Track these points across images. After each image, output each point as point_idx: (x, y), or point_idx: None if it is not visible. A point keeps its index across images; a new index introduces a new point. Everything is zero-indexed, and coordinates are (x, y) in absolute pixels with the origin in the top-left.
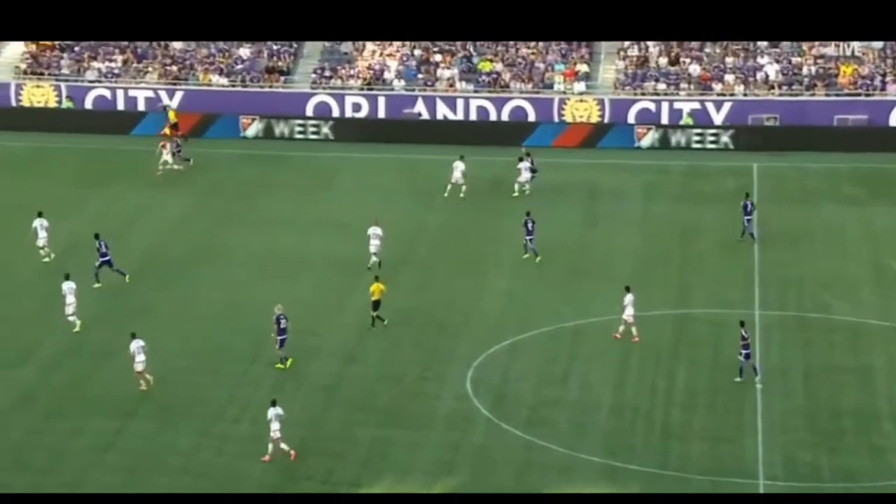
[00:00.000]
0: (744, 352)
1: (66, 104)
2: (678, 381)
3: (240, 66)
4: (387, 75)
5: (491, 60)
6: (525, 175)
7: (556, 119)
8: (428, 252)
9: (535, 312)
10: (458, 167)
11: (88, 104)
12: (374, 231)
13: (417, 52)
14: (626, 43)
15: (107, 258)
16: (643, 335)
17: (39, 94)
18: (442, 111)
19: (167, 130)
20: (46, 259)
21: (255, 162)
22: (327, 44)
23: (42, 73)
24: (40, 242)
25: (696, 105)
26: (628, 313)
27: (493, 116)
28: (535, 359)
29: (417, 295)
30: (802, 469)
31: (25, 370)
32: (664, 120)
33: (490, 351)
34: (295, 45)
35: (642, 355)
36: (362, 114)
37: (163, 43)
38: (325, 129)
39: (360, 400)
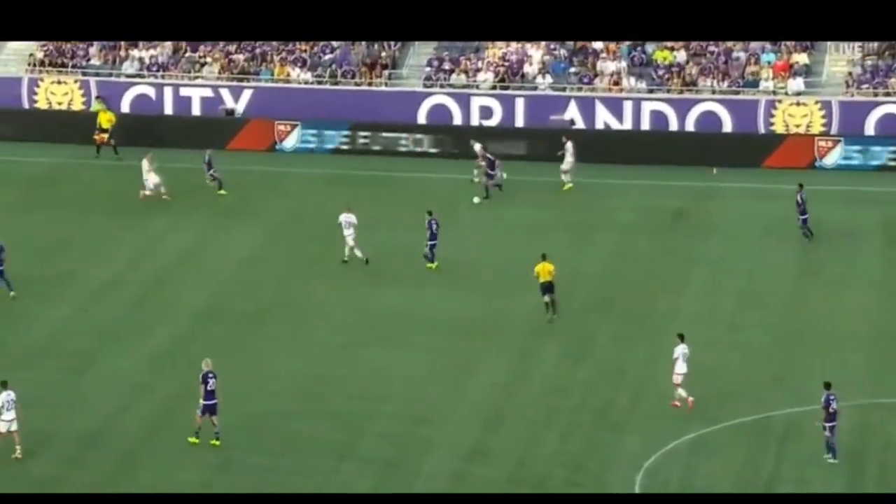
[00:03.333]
0: (827, 425)
1: (95, 106)
2: None
3: (328, 57)
4: (528, 69)
5: (672, 48)
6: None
7: (761, 129)
8: (584, 307)
9: (729, 394)
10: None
11: (125, 106)
12: (347, 219)
13: None
14: None
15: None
16: (882, 427)
17: (61, 93)
18: (603, 117)
19: (102, 137)
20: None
21: (346, 185)
22: None
23: (64, 65)
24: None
25: None
26: (679, 370)
27: (673, 125)
28: (729, 460)
29: (569, 366)
30: None
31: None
32: None
33: (667, 448)
34: None
35: (883, 456)
36: (493, 121)
37: None
38: (443, 142)
39: None
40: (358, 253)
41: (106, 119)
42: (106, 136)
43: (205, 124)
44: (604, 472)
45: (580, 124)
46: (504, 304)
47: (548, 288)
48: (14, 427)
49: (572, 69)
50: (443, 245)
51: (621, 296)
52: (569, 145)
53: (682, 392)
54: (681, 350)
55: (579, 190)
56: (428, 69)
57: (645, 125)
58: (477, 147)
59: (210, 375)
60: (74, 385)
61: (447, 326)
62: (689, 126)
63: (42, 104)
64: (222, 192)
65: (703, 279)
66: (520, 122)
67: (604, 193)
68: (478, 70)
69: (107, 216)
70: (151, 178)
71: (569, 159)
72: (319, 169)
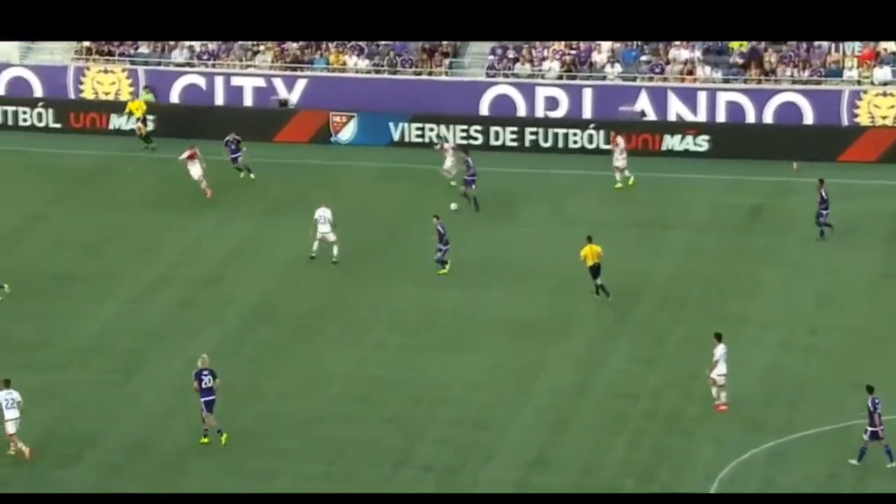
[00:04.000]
0: (869, 429)
1: (143, 96)
2: None
3: (386, 44)
4: (596, 57)
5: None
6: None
7: (844, 122)
8: (654, 309)
9: (809, 403)
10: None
11: (174, 97)
12: (323, 214)
13: None
14: None
15: None
16: None
17: (108, 82)
18: (675, 108)
19: (140, 127)
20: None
21: (406, 180)
22: None
23: (111, 53)
24: None
25: None
26: (719, 372)
27: (750, 117)
28: (809, 472)
29: (638, 370)
30: None
31: None
32: None
33: (743, 458)
34: None
35: None
36: (560, 112)
37: None
38: (506, 135)
39: None
40: (314, 246)
41: (136, 107)
42: (143, 125)
43: (255, 115)
44: (675, 482)
45: (651, 115)
46: (569, 305)
47: (596, 272)
48: (12, 429)
49: (643, 57)
50: (505, 242)
51: (693, 297)
52: (619, 140)
53: (723, 395)
54: (721, 351)
55: (649, 185)
56: (491, 58)
57: (720, 117)
58: (447, 146)
59: (205, 373)
60: (121, 387)
61: (510, 328)
62: (768, 118)
63: (88, 94)
64: (251, 175)
65: (779, 280)
66: (587, 113)
67: (675, 189)
68: (543, 59)
69: (155, 211)
70: (194, 171)
71: (619, 156)
72: (377, 162)
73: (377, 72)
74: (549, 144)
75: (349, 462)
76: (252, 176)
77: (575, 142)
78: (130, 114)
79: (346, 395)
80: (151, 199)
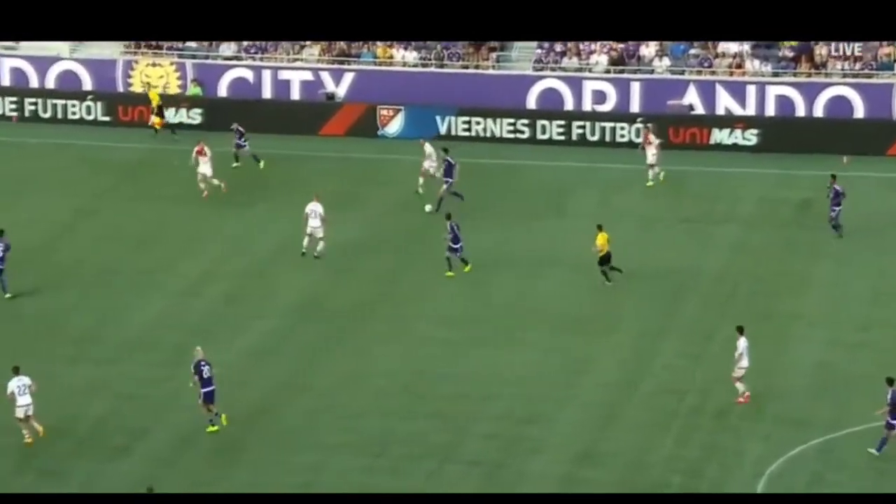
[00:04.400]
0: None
1: (191, 90)
2: None
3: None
4: (644, 51)
5: None
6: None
7: (895, 115)
8: (702, 305)
9: (858, 400)
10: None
11: (222, 90)
12: (314, 208)
13: None
14: None
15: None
16: None
17: (156, 76)
18: (724, 103)
19: (156, 120)
20: None
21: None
22: None
23: (160, 46)
24: None
25: None
26: (743, 364)
27: (800, 111)
28: (857, 468)
29: (686, 366)
30: None
31: None
32: None
33: (792, 453)
34: None
35: None
36: (607, 106)
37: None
38: (553, 129)
39: None
40: (319, 246)
41: (153, 97)
42: (160, 118)
43: (302, 109)
44: (723, 478)
45: (699, 109)
46: (617, 300)
47: (607, 259)
48: (30, 412)
49: (692, 51)
50: (552, 237)
51: (741, 292)
52: (652, 137)
53: (741, 387)
54: (743, 344)
55: (697, 180)
56: (538, 51)
57: (770, 111)
58: (428, 148)
59: (203, 364)
60: (169, 381)
61: (557, 322)
62: (818, 112)
63: (137, 87)
64: (260, 164)
65: (828, 275)
66: (635, 107)
67: (723, 183)
68: (591, 52)
69: (202, 204)
70: (204, 168)
71: (652, 151)
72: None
73: (424, 65)
74: (596, 138)
75: (395, 456)
76: (261, 165)
77: (622, 136)
78: (156, 107)
79: (392, 390)
80: (198, 192)
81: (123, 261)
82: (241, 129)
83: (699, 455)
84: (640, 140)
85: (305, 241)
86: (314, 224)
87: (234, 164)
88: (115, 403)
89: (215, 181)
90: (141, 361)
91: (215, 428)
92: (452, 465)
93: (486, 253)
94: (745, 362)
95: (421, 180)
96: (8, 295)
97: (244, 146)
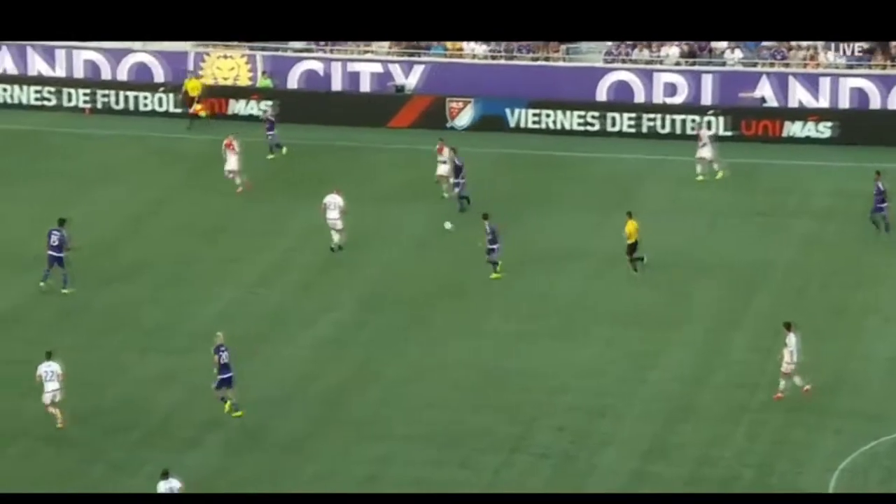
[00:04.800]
0: None
1: (261, 82)
2: None
3: None
4: (716, 43)
5: None
6: (707, 151)
7: None
8: (774, 298)
9: None
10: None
11: (293, 82)
12: (333, 200)
13: None
14: None
15: (59, 254)
16: None
17: (227, 68)
18: (797, 95)
19: (199, 108)
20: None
21: (521, 167)
22: None
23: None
24: None
25: None
26: (790, 360)
27: (875, 102)
28: None
29: (758, 360)
30: None
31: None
32: None
33: (866, 447)
34: None
35: None
36: (679, 98)
37: None
38: (623, 121)
39: None
40: (335, 237)
41: (192, 87)
42: (199, 106)
43: (371, 101)
44: (795, 473)
45: (772, 102)
46: (688, 293)
47: (635, 247)
48: (58, 398)
49: (765, 42)
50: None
51: (815, 287)
52: (703, 133)
53: (797, 380)
54: (793, 340)
55: (770, 172)
56: (609, 44)
57: (844, 103)
58: (446, 152)
59: (222, 349)
60: (238, 372)
61: (627, 316)
62: (893, 104)
63: (208, 79)
64: (283, 151)
65: None
66: (707, 99)
67: (796, 176)
68: (662, 45)
69: (272, 196)
70: (231, 163)
71: (706, 146)
72: (494, 148)
73: (494, 58)
74: (666, 131)
75: (465, 448)
76: (284, 151)
77: (693, 128)
78: (186, 92)
79: (462, 382)
80: (269, 184)
81: (194, 253)
82: (272, 118)
83: (770, 449)
84: (697, 135)
85: (335, 236)
86: (332, 216)
87: (271, 156)
88: (185, 395)
89: (237, 180)
90: (211, 353)
91: (239, 413)
92: (521, 458)
93: (554, 246)
94: (795, 357)
95: (444, 186)
96: (65, 290)
97: (272, 134)
